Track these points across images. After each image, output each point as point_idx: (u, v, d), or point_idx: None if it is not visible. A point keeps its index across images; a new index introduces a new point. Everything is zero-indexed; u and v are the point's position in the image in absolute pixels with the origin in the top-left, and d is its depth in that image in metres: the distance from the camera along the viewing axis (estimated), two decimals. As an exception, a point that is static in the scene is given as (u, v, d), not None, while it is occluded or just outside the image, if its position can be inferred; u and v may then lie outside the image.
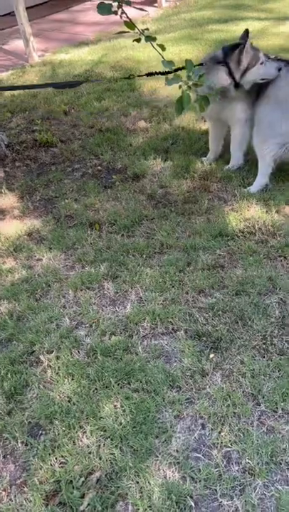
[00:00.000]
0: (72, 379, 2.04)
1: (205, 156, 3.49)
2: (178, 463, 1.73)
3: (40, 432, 1.88)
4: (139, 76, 3.31)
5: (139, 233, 2.88)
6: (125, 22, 2.01)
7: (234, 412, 1.86)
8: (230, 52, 2.90)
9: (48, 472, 1.73)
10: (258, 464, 1.70)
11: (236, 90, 2.95)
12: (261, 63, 2.89)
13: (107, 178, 3.48)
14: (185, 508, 1.61)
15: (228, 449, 1.76)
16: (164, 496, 1.63)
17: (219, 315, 2.28)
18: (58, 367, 2.10)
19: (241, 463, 1.72)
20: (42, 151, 3.86)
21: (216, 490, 1.65)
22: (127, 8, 2.10)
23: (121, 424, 1.85)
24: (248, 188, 3.12)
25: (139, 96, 4.55)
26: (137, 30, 2.11)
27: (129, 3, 2.00)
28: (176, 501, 1.62)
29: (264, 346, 2.10)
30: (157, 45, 2.06)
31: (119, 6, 1.99)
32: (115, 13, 1.98)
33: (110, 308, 2.39)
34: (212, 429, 1.83)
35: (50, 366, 2.11)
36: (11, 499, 1.69)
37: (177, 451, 1.77)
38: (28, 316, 2.38)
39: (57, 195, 3.33)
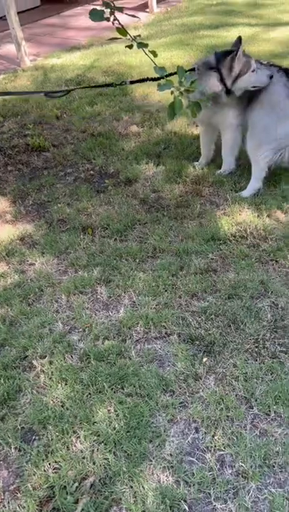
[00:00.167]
0: (66, 384, 2.04)
1: (197, 161, 3.52)
2: (172, 467, 1.73)
3: (33, 437, 1.88)
4: (132, 82, 3.33)
5: (132, 237, 2.89)
6: (117, 28, 2.03)
7: (227, 416, 1.87)
8: (223, 58, 2.93)
9: (41, 478, 1.73)
10: (251, 467, 1.71)
11: (228, 96, 2.98)
12: (253, 71, 2.91)
13: (99, 182, 3.49)
14: (179, 512, 1.61)
15: (222, 452, 1.77)
16: (158, 501, 1.63)
17: (212, 319, 2.29)
18: (51, 372, 2.10)
19: (235, 466, 1.72)
20: (34, 156, 3.86)
21: (209, 493, 1.66)
22: (119, 15, 2.12)
23: (115, 428, 1.85)
24: (241, 192, 3.14)
25: (131, 101, 4.57)
26: (129, 36, 2.12)
27: (121, 10, 2.01)
28: (170, 505, 1.62)
29: (256, 350, 2.12)
30: (149, 51, 2.08)
31: (112, 13, 2.00)
32: (107, 19, 1.99)
33: (103, 313, 2.39)
34: (205, 433, 1.83)
35: (43, 371, 2.11)
36: (4, 506, 1.68)
37: (171, 455, 1.77)
38: (20, 321, 2.38)
39: (49, 199, 3.33)
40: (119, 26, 1.99)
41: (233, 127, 3.15)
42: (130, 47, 2.15)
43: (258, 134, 3.00)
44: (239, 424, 1.85)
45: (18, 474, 1.77)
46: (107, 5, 1.96)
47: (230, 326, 2.24)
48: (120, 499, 1.65)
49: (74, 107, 4.56)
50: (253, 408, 1.90)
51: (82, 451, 1.80)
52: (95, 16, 1.96)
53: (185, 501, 1.64)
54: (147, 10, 7.91)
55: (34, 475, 1.74)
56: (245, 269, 2.56)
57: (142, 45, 2.04)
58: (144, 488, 1.67)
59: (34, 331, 2.30)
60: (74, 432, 1.86)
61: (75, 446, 1.82)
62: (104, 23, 2.13)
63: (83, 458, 1.77)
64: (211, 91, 2.90)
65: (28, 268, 2.73)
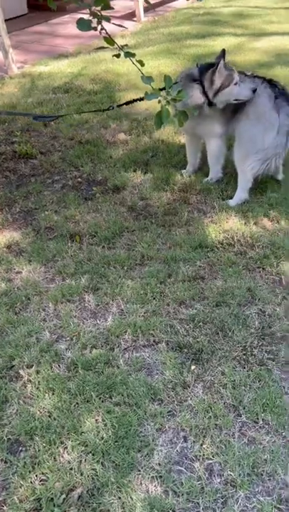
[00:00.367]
0: (53, 394, 2.02)
1: (184, 169, 3.54)
2: (160, 477, 1.72)
3: (20, 448, 1.85)
4: (118, 106, 3.40)
5: (120, 245, 2.89)
6: (105, 38, 2.04)
7: (216, 424, 1.87)
8: (205, 71, 2.95)
9: (28, 490, 1.70)
10: (239, 475, 1.71)
11: (210, 108, 3.00)
12: (235, 84, 2.92)
13: (87, 189, 3.49)
14: (168, 523, 1.60)
15: (210, 461, 1.77)
16: (147, 511, 1.62)
17: (200, 326, 2.29)
18: (38, 381, 2.07)
19: (223, 475, 1.72)
20: (21, 163, 3.85)
21: (198, 503, 1.65)
22: (106, 24, 2.13)
23: (102, 438, 1.84)
24: (228, 200, 3.17)
25: (119, 109, 4.56)
26: (116, 46, 2.14)
27: (108, 20, 2.03)
28: (159, 516, 1.61)
29: (244, 357, 2.12)
30: (136, 60, 2.09)
31: (99, 22, 2.01)
32: (95, 29, 2.00)
33: (91, 321, 2.38)
34: (194, 442, 1.83)
35: (30, 381, 2.08)
36: (-11, 519, 1.65)
37: (159, 464, 1.76)
38: (7, 330, 2.35)
39: (36, 206, 3.31)
40: (107, 36, 2.00)
41: (218, 137, 3.18)
42: (118, 56, 2.16)
43: (245, 144, 3.03)
44: (227, 432, 1.85)
45: (4, 487, 1.74)
46: (94, 15, 1.97)
47: (218, 333, 2.25)
48: (108, 511, 1.63)
49: (61, 114, 4.55)
50: (241, 416, 1.90)
51: (69, 462, 1.78)
52: (83, 25, 1.97)
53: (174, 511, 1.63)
54: (135, 19, 7.96)
55: (21, 487, 1.71)
56: (232, 277, 2.57)
57: (129, 55, 2.05)
58: (132, 498, 1.65)
59: (21, 340, 2.27)
60: (61, 443, 1.84)
61: (62, 457, 1.80)
62: (92, 32, 2.14)
63: (71, 469, 1.75)
64: (194, 103, 2.92)
65: (14, 276, 2.70)
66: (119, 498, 1.66)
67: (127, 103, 3.29)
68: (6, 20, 5.75)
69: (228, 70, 2.94)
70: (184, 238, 2.87)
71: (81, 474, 1.73)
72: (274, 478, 1.70)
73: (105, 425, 1.88)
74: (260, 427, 1.86)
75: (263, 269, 2.63)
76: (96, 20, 2.04)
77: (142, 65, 2.11)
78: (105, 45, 2.16)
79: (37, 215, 3.22)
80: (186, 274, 2.61)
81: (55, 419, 1.92)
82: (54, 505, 1.65)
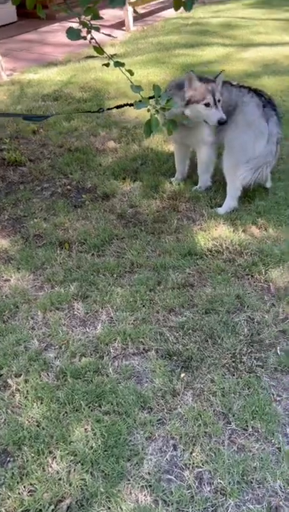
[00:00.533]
0: (42, 403, 2.00)
1: (173, 177, 3.56)
2: (150, 486, 1.71)
3: (7, 459, 1.82)
4: (109, 109, 3.42)
5: (109, 252, 2.89)
6: (94, 47, 2.05)
7: (205, 432, 1.87)
8: (206, 79, 2.98)
9: (16, 501, 1.67)
10: (229, 483, 1.70)
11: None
12: (206, 105, 2.92)
13: (76, 197, 3.48)
14: (157, 533, 1.58)
15: (200, 469, 1.76)
16: (136, 521, 1.61)
17: (189, 334, 2.30)
18: (27, 391, 2.05)
19: (213, 483, 1.71)
20: (10, 170, 3.83)
21: (188, 512, 1.64)
22: (96, 33, 2.15)
23: (92, 447, 1.82)
24: (217, 208, 3.19)
25: (108, 117, 4.61)
26: (105, 54, 2.16)
27: (97, 29, 2.04)
28: (149, 526, 1.59)
29: (233, 364, 2.13)
30: (125, 69, 2.11)
31: (88, 32, 2.03)
32: (84, 38, 2.02)
33: (80, 329, 2.37)
34: (184, 450, 1.82)
35: (19, 390, 2.06)
36: (-24, 532, 1.62)
37: (149, 473, 1.75)
38: (-5, 339, 2.33)
39: (25, 214, 3.30)
40: (96, 45, 2.02)
41: (207, 146, 3.21)
42: (107, 65, 2.18)
43: (236, 153, 3.06)
44: (217, 440, 1.85)
45: (-9, 499, 1.71)
46: (84, 24, 1.99)
47: (207, 340, 2.25)
48: (97, 521, 1.62)
49: (51, 122, 4.56)
50: (230, 423, 1.90)
51: (58, 472, 1.76)
52: (72, 34, 1.98)
53: (163, 521, 1.61)
54: (124, 28, 8.03)
55: (8, 499, 1.68)
56: (221, 284, 2.58)
57: (118, 64, 2.07)
58: (121, 509, 1.64)
59: (9, 349, 2.25)
60: (50, 453, 1.82)
61: (51, 467, 1.78)
62: (82, 40, 2.16)
63: (59, 479, 1.73)
64: (178, 111, 2.94)
65: (3, 284, 2.68)
66: (109, 508, 1.65)
67: (118, 107, 3.31)
68: (-5, 28, 5.75)
69: (206, 90, 2.93)
70: (174, 245, 2.88)
71: (70, 485, 1.71)
72: (264, 486, 1.70)
73: (94, 434, 1.87)
74: (249, 434, 1.86)
75: (252, 276, 2.65)
76: (85, 29, 2.06)
77: (132, 74, 2.13)
78: (95, 54, 2.18)
79: (26, 222, 3.21)
80: (175, 281, 2.62)
81: (43, 428, 1.90)
82: (42, 517, 1.63)
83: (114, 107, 3.36)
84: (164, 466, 1.78)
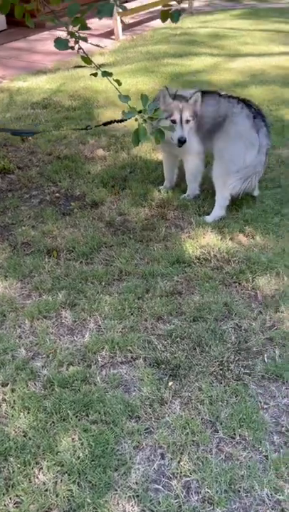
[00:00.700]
0: (28, 412, 1.98)
1: (162, 185, 3.58)
2: (137, 496, 1.70)
3: (-7, 470, 1.80)
4: (96, 126, 3.48)
5: (97, 260, 2.88)
6: (82, 57, 2.07)
7: (193, 440, 1.87)
8: (181, 96, 3.01)
9: (1, 514, 1.65)
10: (217, 492, 1.70)
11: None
12: (172, 121, 2.93)
13: (65, 205, 3.48)
14: None
15: (188, 478, 1.76)
16: (124, 532, 1.59)
17: (177, 342, 2.30)
18: (14, 400, 2.03)
19: (201, 492, 1.71)
20: (-2, 178, 3.82)
21: (176, 522, 1.63)
22: (84, 42, 2.16)
23: (79, 458, 1.81)
24: (205, 217, 3.21)
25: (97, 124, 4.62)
26: (94, 64, 2.17)
27: (85, 40, 2.06)
28: (136, 537, 1.58)
29: (221, 372, 2.13)
30: (113, 79, 2.13)
31: (76, 42, 2.04)
32: (72, 48, 2.03)
33: (68, 338, 2.36)
34: (171, 459, 1.82)
35: (5, 400, 2.04)
36: None
37: (136, 483, 1.74)
38: (-18, 348, 2.30)
39: (13, 222, 3.29)
40: (84, 55, 2.03)
41: (194, 155, 3.24)
42: (95, 75, 2.20)
43: (225, 163, 3.09)
44: (205, 448, 1.85)
45: (-24, 511, 1.68)
46: (71, 34, 2.00)
47: (195, 348, 2.26)
48: (84, 533, 1.60)
49: (40, 129, 4.56)
50: (218, 432, 1.90)
51: (44, 483, 1.74)
52: (60, 44, 1.99)
53: (151, 531, 1.60)
54: (113, 37, 8.09)
55: (-6, 511, 1.66)
56: (209, 292, 2.60)
57: (106, 74, 2.09)
58: (109, 519, 1.62)
59: (-4, 358, 2.23)
60: (36, 463, 1.80)
61: (37, 478, 1.76)
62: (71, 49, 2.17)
63: (46, 490, 1.72)
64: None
65: (-10, 292, 2.66)
66: (96, 519, 1.63)
67: (105, 124, 3.35)
68: (-16, 36, 5.76)
69: (175, 107, 2.94)
70: (162, 253, 2.89)
71: (56, 495, 1.70)
72: (251, 495, 1.70)
73: (82, 444, 1.85)
74: (237, 442, 1.87)
75: (239, 284, 2.66)
76: (73, 39, 2.07)
77: (119, 84, 2.15)
78: (83, 63, 2.19)
79: (14, 230, 3.19)
80: (163, 289, 2.62)
81: (30, 438, 1.88)
82: (28, 529, 1.61)
83: (102, 124, 3.42)
84: (151, 476, 1.77)
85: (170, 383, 2.09)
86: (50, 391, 2.07)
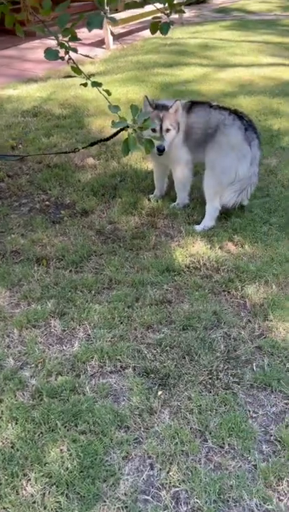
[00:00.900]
0: (16, 423, 1.96)
1: (152, 194, 3.60)
2: (126, 507, 1.69)
3: (-20, 483, 1.77)
4: (84, 147, 3.54)
5: (87, 269, 2.88)
6: (72, 67, 2.08)
7: (182, 450, 1.86)
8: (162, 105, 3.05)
9: (-12, 527, 1.63)
10: (206, 502, 1.69)
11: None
12: (152, 130, 2.93)
13: (55, 213, 3.48)
14: None
15: (177, 488, 1.75)
16: None
17: (167, 351, 2.30)
18: (1, 411, 2.01)
19: (190, 503, 1.70)
20: (-12, 186, 3.81)
21: (165, 533, 1.62)
22: (74, 51, 2.18)
23: (67, 469, 1.79)
24: (194, 226, 3.23)
25: (88, 133, 4.64)
26: (84, 71, 2.19)
27: (75, 51, 2.08)
28: None
29: (210, 381, 2.14)
30: (103, 90, 2.14)
31: (66, 52, 2.06)
32: (62, 58, 2.04)
33: (57, 347, 2.34)
34: (160, 469, 1.81)
35: (-7, 410, 2.02)
36: None
37: (125, 494, 1.73)
38: None
39: (3, 230, 3.27)
40: (74, 65, 2.05)
41: (182, 165, 3.27)
42: (85, 85, 2.21)
43: (218, 175, 3.12)
44: (194, 458, 1.84)
45: None
46: (61, 45, 2.02)
47: (184, 357, 2.26)
48: None
49: (30, 137, 4.57)
50: (207, 441, 1.90)
51: (32, 495, 1.72)
52: (50, 54, 2.01)
53: None
54: (104, 46, 8.16)
55: (-20, 524, 1.64)
56: (198, 300, 2.61)
57: (96, 84, 2.10)
58: (97, 531, 1.61)
59: (-16, 368, 2.21)
60: (24, 475, 1.78)
61: (25, 489, 1.74)
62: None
63: (34, 502, 1.70)
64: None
65: (-22, 301, 2.64)
66: (84, 531, 1.61)
67: (92, 144, 3.41)
68: (-26, 44, 5.76)
69: (156, 115, 2.95)
70: (152, 262, 2.90)
71: (44, 508, 1.68)
72: (240, 504, 1.70)
73: (70, 455, 1.84)
74: (226, 451, 1.87)
75: (228, 292, 2.68)
76: (63, 49, 2.09)
77: (109, 94, 2.16)
78: (74, 73, 2.20)
79: (3, 238, 3.18)
80: (153, 297, 2.62)
81: (18, 450, 1.86)
82: None
83: (89, 145, 3.50)
84: (140, 487, 1.76)
85: (159, 392, 2.09)
86: (39, 401, 2.05)
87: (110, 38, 8.07)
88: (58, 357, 2.28)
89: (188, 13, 10.73)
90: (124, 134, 2.37)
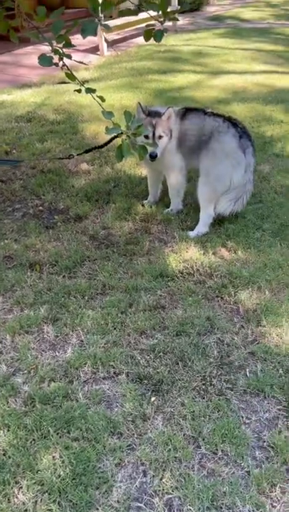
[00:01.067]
0: (8, 430, 1.94)
1: (146, 199, 3.61)
2: (119, 515, 1.68)
3: (-29, 491, 1.75)
4: (78, 154, 3.55)
5: (81, 274, 2.88)
6: (66, 73, 2.09)
7: (175, 457, 1.85)
8: (154, 112, 3.06)
9: (-21, 536, 1.61)
10: (199, 509, 1.69)
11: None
12: (145, 136, 2.95)
13: (48, 218, 3.47)
14: None
15: (170, 495, 1.74)
16: None
17: (160, 356, 2.29)
18: (-7, 418, 2.00)
19: (183, 510, 1.70)
20: (-19, 191, 3.80)
21: None
22: (68, 58, 2.19)
23: (60, 476, 1.78)
24: (188, 232, 3.23)
25: (82, 139, 4.65)
26: (79, 77, 2.19)
27: (69, 57, 2.09)
28: None
29: (203, 387, 2.14)
30: (97, 96, 2.15)
31: (60, 58, 2.07)
32: (56, 64, 2.05)
33: (50, 353, 2.33)
34: (154, 476, 1.80)
35: (-15, 417, 2.00)
36: None
37: (118, 501, 1.72)
38: None
39: (-4, 235, 3.26)
40: (68, 71, 2.05)
41: (176, 172, 3.28)
42: (79, 91, 2.22)
43: (212, 182, 3.13)
44: (187, 464, 1.84)
45: None
46: (55, 51, 2.03)
47: (178, 363, 2.26)
48: None
49: (24, 143, 4.57)
50: (200, 447, 1.90)
51: (24, 503, 1.70)
52: (44, 60, 2.01)
53: None
54: (98, 52, 8.20)
55: (-29, 533, 1.62)
56: (192, 306, 2.61)
57: (90, 91, 2.11)
58: (89, 539, 1.59)
59: (-24, 374, 2.19)
60: (16, 483, 1.77)
61: (16, 497, 1.72)
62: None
63: (25, 510, 1.68)
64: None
65: (-29, 307, 2.62)
66: (76, 539, 1.60)
67: (87, 151, 3.42)
68: None
69: (149, 124, 2.97)
70: (145, 267, 2.90)
71: (36, 516, 1.66)
72: (233, 511, 1.69)
73: (63, 462, 1.82)
74: (219, 458, 1.86)
75: (222, 298, 2.68)
76: (58, 56, 2.09)
77: (103, 100, 2.17)
78: (67, 80, 2.21)
79: (-4, 243, 3.17)
80: (146, 303, 2.62)
81: (9, 457, 1.85)
82: None
83: (84, 152, 3.51)
84: (133, 494, 1.75)
85: (153, 399, 2.08)
86: (31, 408, 2.04)
87: (104, 44, 8.11)
88: (50, 363, 2.26)
89: (182, 20, 10.82)
90: (118, 141, 2.38)
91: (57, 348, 2.37)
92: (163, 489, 1.75)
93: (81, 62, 2.42)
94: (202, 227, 3.22)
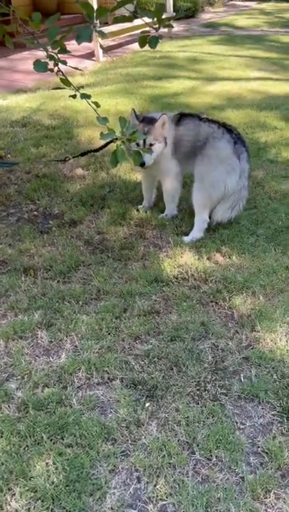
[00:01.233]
0: (1, 436, 1.93)
1: (140, 204, 3.61)
2: (113, 522, 1.66)
3: None
4: (74, 157, 3.56)
5: (75, 279, 2.87)
6: (61, 79, 2.10)
7: (169, 463, 1.85)
8: (148, 119, 3.07)
9: None
10: (193, 516, 1.68)
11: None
12: (136, 144, 2.86)
13: (43, 223, 3.47)
14: None
15: (164, 502, 1.73)
16: None
17: (155, 362, 2.29)
18: (-14, 424, 1.98)
19: (177, 516, 1.69)
20: (-24, 195, 3.79)
21: None
22: (63, 64, 2.20)
23: (53, 483, 1.76)
24: (183, 237, 3.24)
25: (77, 144, 4.66)
26: (74, 82, 2.20)
27: (64, 63, 2.09)
28: None
29: (198, 393, 2.13)
30: (92, 101, 2.16)
31: (55, 64, 2.07)
32: (51, 70, 2.06)
33: (44, 359, 2.32)
34: (148, 482, 1.79)
35: (-22, 423, 1.98)
36: None
37: (112, 508, 1.71)
38: None
39: (-10, 240, 3.25)
40: (63, 77, 2.06)
41: (172, 177, 3.29)
42: (74, 97, 2.22)
43: (207, 188, 3.14)
44: (181, 471, 1.83)
45: None
46: (51, 57, 2.03)
47: (172, 369, 2.25)
48: None
49: (19, 148, 4.57)
50: (194, 453, 1.89)
51: (17, 511, 1.68)
52: (39, 66, 2.02)
53: None
54: (94, 58, 8.24)
55: None
56: (186, 311, 2.61)
57: (85, 96, 2.12)
58: None
59: None
60: (9, 490, 1.75)
61: (9, 505, 1.70)
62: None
63: (18, 518, 1.66)
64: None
65: None
66: None
67: (82, 154, 3.43)
68: None
69: (141, 129, 2.97)
70: (140, 272, 2.90)
71: (29, 523, 1.65)
72: (227, 517, 1.69)
73: (56, 469, 1.81)
74: (213, 464, 1.86)
75: (216, 303, 2.69)
76: (53, 61, 2.10)
77: (98, 106, 2.18)
78: (62, 86, 2.22)
79: (-10, 248, 3.16)
80: (141, 308, 2.62)
81: (2, 464, 1.83)
82: None
83: (79, 155, 3.53)
84: (127, 500, 1.74)
85: (147, 404, 2.08)
86: (25, 414, 2.02)
87: (100, 50, 8.15)
88: (44, 368, 2.25)
89: (177, 27, 10.92)
90: (112, 146, 2.38)
91: (51, 353, 2.36)
92: (157, 495, 1.74)
93: (76, 68, 2.42)
94: (197, 232, 3.23)
